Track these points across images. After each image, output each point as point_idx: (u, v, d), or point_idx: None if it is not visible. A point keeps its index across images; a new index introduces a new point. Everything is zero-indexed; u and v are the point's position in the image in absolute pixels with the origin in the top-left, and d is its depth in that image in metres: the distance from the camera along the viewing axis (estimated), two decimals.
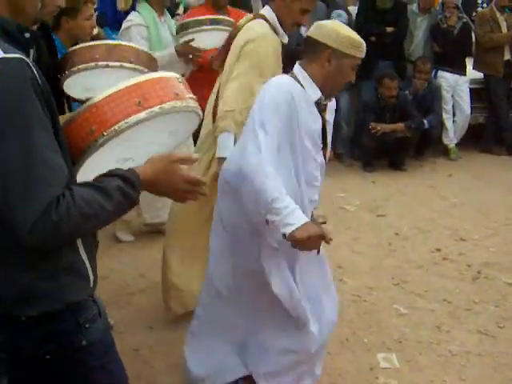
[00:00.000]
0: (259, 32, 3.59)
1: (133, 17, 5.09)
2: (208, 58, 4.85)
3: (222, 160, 3.40)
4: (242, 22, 3.77)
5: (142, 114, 1.94)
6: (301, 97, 2.94)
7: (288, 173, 2.95)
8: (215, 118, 3.65)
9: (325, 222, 2.77)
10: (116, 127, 1.91)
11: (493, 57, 8.53)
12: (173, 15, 6.40)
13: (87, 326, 1.97)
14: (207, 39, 4.72)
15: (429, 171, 7.95)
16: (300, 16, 3.59)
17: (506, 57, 8.59)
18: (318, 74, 2.98)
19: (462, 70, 8.44)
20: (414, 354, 3.96)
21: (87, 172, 1.93)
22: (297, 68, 3.03)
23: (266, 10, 3.70)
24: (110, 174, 1.85)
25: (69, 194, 1.71)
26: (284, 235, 2.69)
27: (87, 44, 3.11)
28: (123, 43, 3.22)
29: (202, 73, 5.04)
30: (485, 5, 11.27)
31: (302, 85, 2.97)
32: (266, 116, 2.82)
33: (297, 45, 6.84)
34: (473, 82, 8.71)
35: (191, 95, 2.11)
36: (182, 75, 5.42)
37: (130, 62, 3.03)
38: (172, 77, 2.09)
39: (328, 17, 7.52)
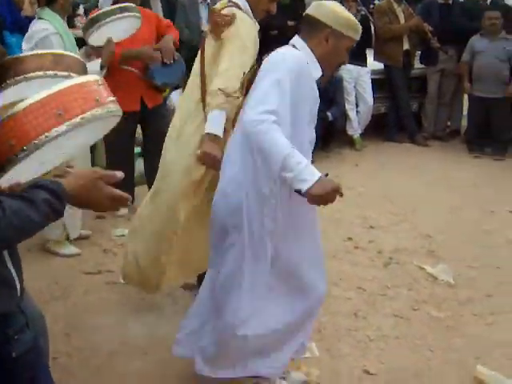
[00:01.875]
0: (238, 16, 3.67)
1: (45, 25, 4.78)
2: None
3: (210, 136, 3.47)
4: (216, 8, 3.81)
5: (63, 127, 1.88)
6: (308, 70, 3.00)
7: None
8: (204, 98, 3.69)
9: (327, 174, 2.78)
10: (36, 141, 1.85)
11: (392, 47, 8.75)
12: (73, 16, 6.30)
13: (16, 337, 1.92)
14: (118, 30, 4.68)
15: (335, 162, 8.06)
16: (270, 4, 3.81)
17: (405, 47, 8.83)
18: (316, 50, 3.02)
19: (363, 62, 8.59)
20: (334, 341, 4.01)
21: (6, 179, 1.88)
22: (298, 42, 3.06)
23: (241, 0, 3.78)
24: (36, 185, 1.83)
25: None
26: (299, 191, 2.71)
27: (33, 52, 3.00)
28: (67, 53, 3.14)
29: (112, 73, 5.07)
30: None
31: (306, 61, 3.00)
32: (281, 75, 2.83)
33: None
34: (374, 72, 8.89)
35: (111, 98, 2.06)
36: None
37: (76, 72, 2.94)
38: (91, 81, 2.04)
39: None
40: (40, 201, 1.78)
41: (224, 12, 3.70)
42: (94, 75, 2.11)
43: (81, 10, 6.58)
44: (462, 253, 5.37)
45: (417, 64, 9.30)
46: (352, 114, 8.67)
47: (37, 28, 4.78)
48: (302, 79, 2.92)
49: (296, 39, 3.08)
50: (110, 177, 2.02)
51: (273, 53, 3.01)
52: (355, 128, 8.70)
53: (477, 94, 8.49)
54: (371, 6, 10.73)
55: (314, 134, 3.20)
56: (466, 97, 9.23)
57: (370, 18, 8.98)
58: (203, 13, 7.70)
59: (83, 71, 3.11)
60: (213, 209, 3.16)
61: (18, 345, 1.93)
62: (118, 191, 2.03)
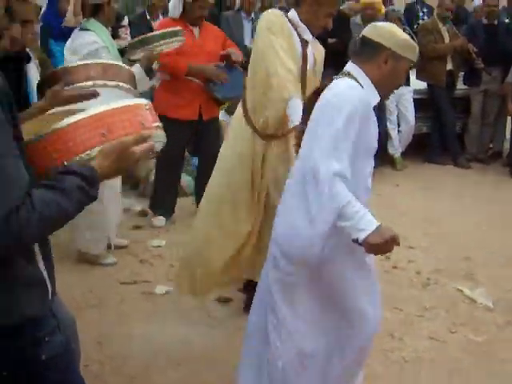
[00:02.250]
0: (276, 15, 3.85)
1: (94, 37, 4.79)
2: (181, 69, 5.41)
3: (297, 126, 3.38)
4: None
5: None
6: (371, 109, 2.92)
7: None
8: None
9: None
10: (77, 158, 1.86)
11: (436, 67, 8.67)
12: (117, 27, 6.36)
13: (46, 339, 1.92)
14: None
15: (376, 181, 7.94)
16: (326, 19, 3.83)
17: (449, 67, 8.76)
18: (374, 74, 2.94)
19: (406, 80, 8.53)
20: (369, 362, 3.93)
21: None
22: (352, 67, 2.98)
23: (291, 14, 3.87)
24: (68, 172, 1.81)
25: (29, 201, 1.67)
26: (356, 240, 2.68)
27: (81, 63, 3.04)
28: (117, 63, 3.17)
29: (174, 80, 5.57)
30: (425, 17, 11.49)
31: (361, 85, 2.92)
32: (343, 120, 2.76)
33: None
34: (416, 92, 8.82)
35: (157, 123, 2.07)
36: (152, 89, 5.57)
37: (125, 82, 2.98)
38: (140, 104, 2.04)
39: None
40: (73, 188, 1.77)
41: None
42: (142, 99, 2.11)
43: (125, 21, 6.66)
44: (501, 276, 5.27)
45: (460, 85, 9.21)
46: (393, 133, 8.60)
47: (86, 40, 4.77)
48: (367, 124, 2.86)
49: (351, 66, 2.99)
50: (139, 140, 1.98)
51: (335, 88, 2.91)
52: (396, 147, 8.63)
53: None
54: (415, 26, 10.71)
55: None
56: (509, 119, 9.13)
57: (414, 37, 8.93)
58: (247, 28, 7.73)
59: (130, 81, 3.14)
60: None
61: (49, 347, 1.92)
62: (143, 147, 1.99)
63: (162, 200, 6.11)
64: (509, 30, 8.94)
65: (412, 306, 4.72)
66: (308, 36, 3.86)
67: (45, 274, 1.91)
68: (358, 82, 2.91)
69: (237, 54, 5.68)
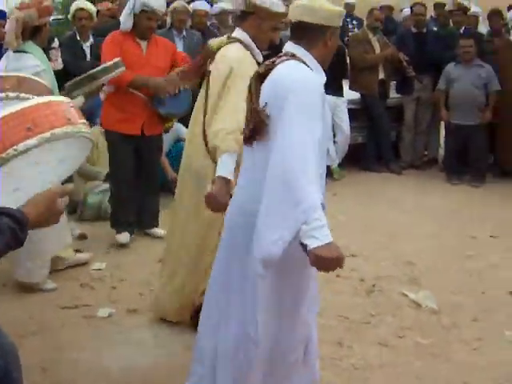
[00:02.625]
0: (239, 58, 3.78)
1: (35, 61, 4.68)
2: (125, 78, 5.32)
3: (221, 179, 3.47)
4: (214, 44, 3.93)
5: (32, 141, 1.82)
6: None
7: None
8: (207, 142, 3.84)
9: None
10: (3, 155, 1.78)
11: (368, 77, 8.78)
12: (48, 49, 6.24)
13: None
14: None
15: None
16: (272, 34, 3.85)
17: (380, 76, 8.88)
18: (320, 55, 2.96)
19: (339, 92, 8.61)
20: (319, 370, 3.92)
21: None
22: (295, 49, 2.96)
23: (239, 33, 3.87)
24: (3, 213, 1.77)
25: None
26: (305, 246, 2.56)
27: None
28: (32, 77, 3.09)
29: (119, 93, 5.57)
30: (356, 29, 11.68)
31: (310, 69, 2.92)
32: (310, 104, 2.76)
33: None
34: (350, 102, 8.90)
35: (83, 120, 2.02)
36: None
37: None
38: (63, 101, 1.99)
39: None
40: (5, 229, 1.73)
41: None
42: (66, 98, 2.06)
43: (56, 43, 6.54)
44: (444, 279, 5.32)
45: (393, 94, 9.34)
46: (330, 144, 8.64)
47: (28, 63, 4.64)
48: (325, 108, 2.88)
49: (293, 47, 2.97)
50: (62, 192, 1.97)
51: (285, 74, 2.88)
52: (333, 158, 8.67)
53: (454, 122, 8.50)
54: (346, 39, 10.85)
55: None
56: (442, 125, 9.29)
57: (346, 49, 9.04)
58: (179, 45, 7.66)
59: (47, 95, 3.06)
60: None
61: None
62: (62, 202, 1.98)
63: (122, 216, 6.02)
64: (437, 38, 9.14)
65: (358, 313, 4.71)
66: (260, 57, 3.86)
67: None
68: (305, 64, 2.92)
69: (173, 82, 5.65)
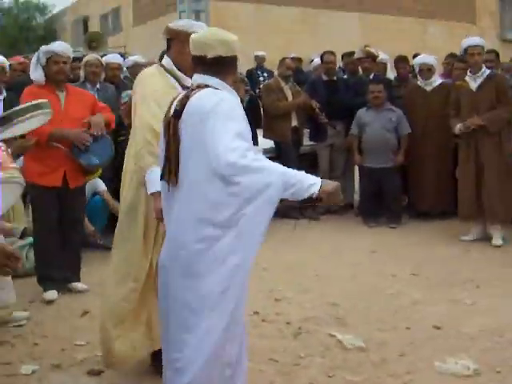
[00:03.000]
0: (142, 77, 4.07)
1: None
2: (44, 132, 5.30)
3: (156, 194, 3.65)
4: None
5: None
6: None
7: None
8: None
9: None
10: None
11: (281, 124, 8.89)
12: None
13: None
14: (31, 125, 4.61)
15: None
16: None
17: (293, 123, 8.99)
18: (232, 82, 3.18)
19: (254, 141, 8.62)
20: None
21: None
22: (212, 80, 3.11)
23: (165, 60, 4.06)
24: None
25: None
26: (310, 196, 2.87)
27: None
28: None
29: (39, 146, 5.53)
30: (266, 81, 11.85)
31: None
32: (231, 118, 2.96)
33: None
34: (264, 151, 8.91)
35: (15, 165, 1.96)
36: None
37: None
38: None
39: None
40: None
41: None
42: None
43: None
44: (369, 317, 5.33)
45: (306, 141, 9.46)
46: None
47: None
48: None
49: (205, 78, 3.12)
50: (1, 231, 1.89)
51: (199, 100, 3.02)
52: None
53: (367, 165, 8.67)
54: (257, 90, 11.02)
55: None
56: (356, 171, 9.44)
57: (258, 99, 9.17)
58: None
59: None
60: None
61: None
62: (9, 247, 1.90)
63: (48, 271, 5.85)
64: (348, 84, 9.35)
65: (287, 356, 4.64)
66: (187, 82, 3.88)
67: None
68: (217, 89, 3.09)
69: (97, 124, 5.69)
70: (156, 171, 3.61)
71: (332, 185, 2.93)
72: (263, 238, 3.09)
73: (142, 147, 3.80)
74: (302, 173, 2.91)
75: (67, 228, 5.93)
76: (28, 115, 4.58)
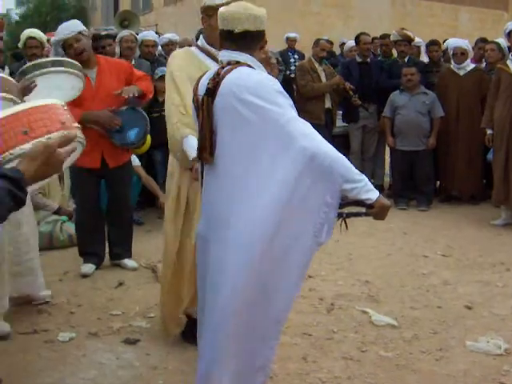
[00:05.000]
0: (172, 56, 4.22)
1: None
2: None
3: (195, 158, 3.58)
4: None
5: (28, 145, 1.82)
6: None
7: None
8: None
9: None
10: (0, 158, 1.78)
11: (314, 105, 8.93)
12: None
13: None
14: (53, 87, 4.61)
15: None
16: None
17: (327, 105, 9.03)
18: (259, 58, 3.12)
19: None
20: None
21: None
22: (242, 56, 3.08)
23: (200, 39, 4.14)
24: None
25: None
26: (364, 201, 2.93)
27: None
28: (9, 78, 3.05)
29: None
30: (297, 63, 11.87)
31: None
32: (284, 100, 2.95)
33: None
34: None
35: (76, 124, 2.03)
36: None
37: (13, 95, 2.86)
38: (58, 104, 1.99)
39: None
40: (3, 192, 1.70)
41: None
42: (60, 100, 2.06)
43: (6, 71, 6.47)
44: (401, 296, 5.40)
45: (339, 122, 9.51)
46: None
47: None
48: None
49: (234, 54, 3.10)
50: (64, 141, 1.93)
51: (238, 79, 2.99)
52: None
53: (399, 148, 8.70)
54: (287, 72, 11.04)
55: None
56: (387, 153, 9.47)
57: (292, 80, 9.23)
58: None
59: (18, 94, 3.03)
60: None
61: None
62: (66, 149, 1.94)
63: (87, 247, 6.00)
64: (382, 67, 9.36)
65: (320, 330, 4.74)
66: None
67: None
68: (250, 66, 3.06)
69: (128, 90, 5.59)
70: (192, 138, 3.73)
71: (388, 202, 2.99)
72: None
73: (176, 121, 3.89)
74: (365, 176, 2.96)
75: (116, 206, 6.00)
76: (45, 70, 4.59)
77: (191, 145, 3.73)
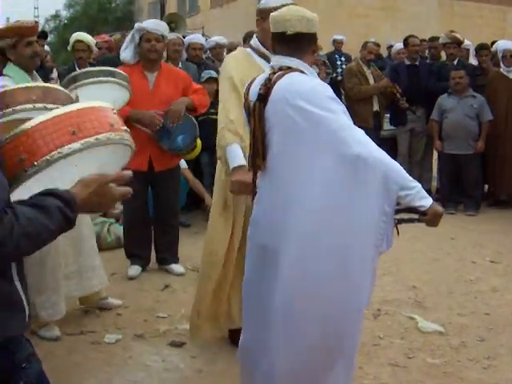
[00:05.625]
0: (226, 60, 4.27)
1: (7, 82, 4.42)
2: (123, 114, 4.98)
3: (235, 169, 3.68)
4: None
5: (77, 145, 1.83)
6: None
7: None
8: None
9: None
10: (48, 157, 1.80)
11: (362, 108, 8.89)
12: (47, 80, 6.27)
13: (24, 365, 1.81)
14: (99, 96, 4.60)
15: None
16: None
17: (375, 108, 8.98)
18: (311, 61, 3.12)
19: None
20: None
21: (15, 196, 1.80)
22: (293, 61, 3.07)
23: (253, 39, 4.13)
24: (49, 193, 1.75)
25: (11, 211, 1.60)
26: (417, 208, 2.90)
27: (22, 86, 2.92)
28: (57, 87, 3.07)
29: None
30: (344, 66, 11.82)
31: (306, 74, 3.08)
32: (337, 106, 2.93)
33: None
34: None
35: (125, 127, 2.04)
36: None
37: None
38: (107, 107, 2.01)
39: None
40: (53, 208, 1.72)
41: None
42: (108, 104, 2.08)
43: (54, 74, 6.58)
44: (448, 302, 5.34)
45: (386, 126, 9.44)
46: None
47: None
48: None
49: (285, 59, 3.08)
50: (118, 179, 1.97)
51: (297, 85, 2.98)
52: None
53: (448, 152, 8.60)
54: (334, 74, 11.00)
55: None
56: (435, 157, 9.38)
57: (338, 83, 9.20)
58: None
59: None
60: None
61: (27, 374, 1.83)
62: (121, 189, 1.98)
63: (133, 250, 6.05)
64: (430, 69, 9.27)
65: (366, 336, 4.68)
66: None
67: (21, 292, 1.82)
68: (302, 72, 3.04)
69: (174, 112, 5.60)
70: (236, 147, 3.73)
71: (441, 209, 2.96)
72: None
73: (224, 127, 3.82)
74: (418, 183, 2.92)
75: (163, 213, 6.01)
76: (95, 79, 4.60)
77: (234, 154, 3.74)
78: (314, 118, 2.87)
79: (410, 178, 2.90)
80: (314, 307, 3.00)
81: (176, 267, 6.10)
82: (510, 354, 4.40)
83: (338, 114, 2.88)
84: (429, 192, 9.14)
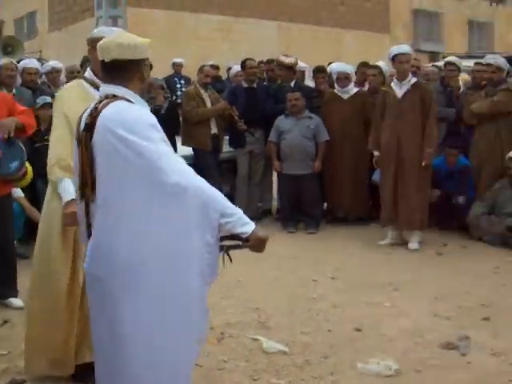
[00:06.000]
0: (59, 94, 4.28)
1: None
2: None
3: (71, 202, 3.74)
4: None
5: None
6: None
7: None
8: None
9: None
10: None
11: (200, 131, 8.86)
12: None
13: None
14: None
15: None
16: None
17: (213, 131, 8.98)
18: (139, 88, 3.04)
19: (173, 148, 8.56)
20: None
21: None
22: (118, 89, 3.00)
23: (87, 71, 4.11)
24: None
25: None
26: (239, 235, 2.88)
27: None
28: None
29: None
30: (183, 88, 11.84)
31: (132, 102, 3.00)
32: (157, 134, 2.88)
33: None
34: (183, 158, 8.83)
35: None
36: None
37: None
38: None
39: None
40: None
41: None
42: None
43: None
44: (292, 321, 5.38)
45: (226, 148, 9.47)
46: None
47: None
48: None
49: (110, 87, 3.02)
50: None
51: (114, 114, 2.91)
52: None
53: (286, 172, 8.74)
54: (173, 97, 10.99)
55: None
56: (275, 178, 9.52)
57: (177, 106, 9.15)
58: None
59: None
60: None
61: None
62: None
63: None
64: (268, 92, 9.41)
65: (211, 361, 4.63)
66: None
67: None
68: (127, 100, 2.99)
69: (3, 126, 5.27)
70: (68, 181, 3.79)
71: (265, 233, 2.93)
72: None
73: (55, 163, 3.88)
74: (240, 210, 2.90)
75: None
76: None
77: (66, 188, 3.85)
78: (134, 147, 2.84)
79: (231, 205, 2.90)
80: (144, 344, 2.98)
81: (15, 301, 5.77)
82: (352, 369, 4.47)
83: (158, 143, 2.85)
84: (269, 212, 9.31)
